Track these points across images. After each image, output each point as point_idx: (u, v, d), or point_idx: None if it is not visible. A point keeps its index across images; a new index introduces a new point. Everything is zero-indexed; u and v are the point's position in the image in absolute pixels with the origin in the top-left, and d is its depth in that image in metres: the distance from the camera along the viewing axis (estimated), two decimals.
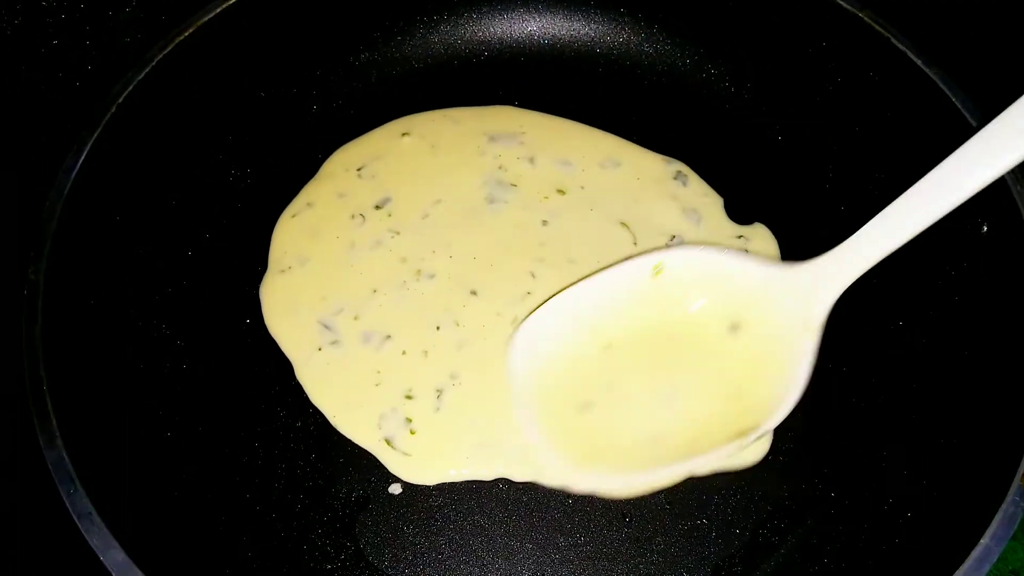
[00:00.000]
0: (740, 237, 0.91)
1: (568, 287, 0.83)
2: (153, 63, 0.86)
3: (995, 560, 0.61)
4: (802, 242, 0.91)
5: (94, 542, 0.62)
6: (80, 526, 0.63)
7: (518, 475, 0.78)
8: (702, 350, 0.79)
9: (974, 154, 0.67)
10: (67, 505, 0.64)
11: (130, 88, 0.84)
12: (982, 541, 0.62)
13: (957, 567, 0.61)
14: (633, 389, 0.79)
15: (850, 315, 0.87)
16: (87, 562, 0.62)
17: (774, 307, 0.77)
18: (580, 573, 0.75)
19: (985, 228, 0.80)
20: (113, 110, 0.82)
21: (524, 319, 0.83)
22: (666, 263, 0.80)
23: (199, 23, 0.89)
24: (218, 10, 0.90)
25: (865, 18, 0.89)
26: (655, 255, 0.81)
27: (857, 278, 0.74)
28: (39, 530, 0.75)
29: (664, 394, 0.79)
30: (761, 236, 0.92)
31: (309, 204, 0.94)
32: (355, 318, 0.85)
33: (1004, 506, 0.63)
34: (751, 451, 0.79)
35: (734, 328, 0.78)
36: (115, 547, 0.62)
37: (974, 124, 0.81)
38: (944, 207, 0.68)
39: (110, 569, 0.62)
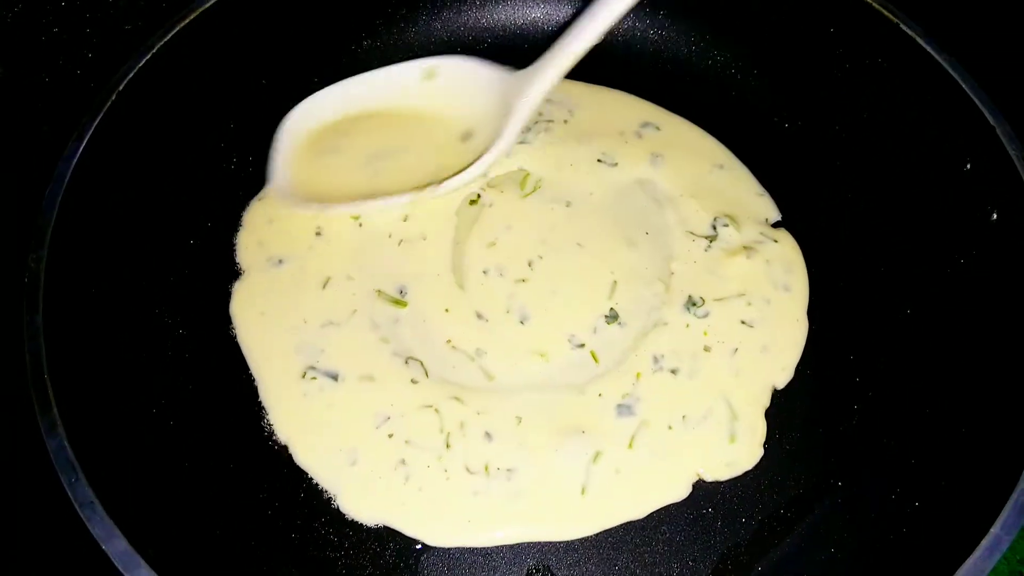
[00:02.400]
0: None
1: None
2: (154, 50, 0.85)
3: (1005, 550, 0.61)
4: (809, 227, 0.91)
5: (96, 531, 0.62)
6: (82, 515, 0.63)
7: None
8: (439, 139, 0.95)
9: None
10: (69, 494, 0.64)
11: (130, 76, 0.83)
12: (992, 530, 0.61)
13: (967, 556, 0.61)
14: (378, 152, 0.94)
15: (859, 303, 0.87)
16: (89, 551, 0.62)
17: (497, 106, 0.92)
18: (584, 562, 0.75)
19: (995, 215, 0.79)
20: (113, 98, 0.82)
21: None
22: (439, 69, 0.96)
23: (200, 10, 0.89)
24: None
25: (874, 3, 0.88)
26: (431, 60, 0.96)
27: (554, 82, 0.88)
28: (41, 519, 0.74)
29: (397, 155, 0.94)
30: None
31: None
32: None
33: (1015, 495, 0.63)
34: (747, 454, 0.79)
35: (467, 134, 0.94)
36: (117, 536, 0.62)
37: (983, 109, 0.81)
38: (596, 33, 0.84)
39: (112, 558, 0.61)
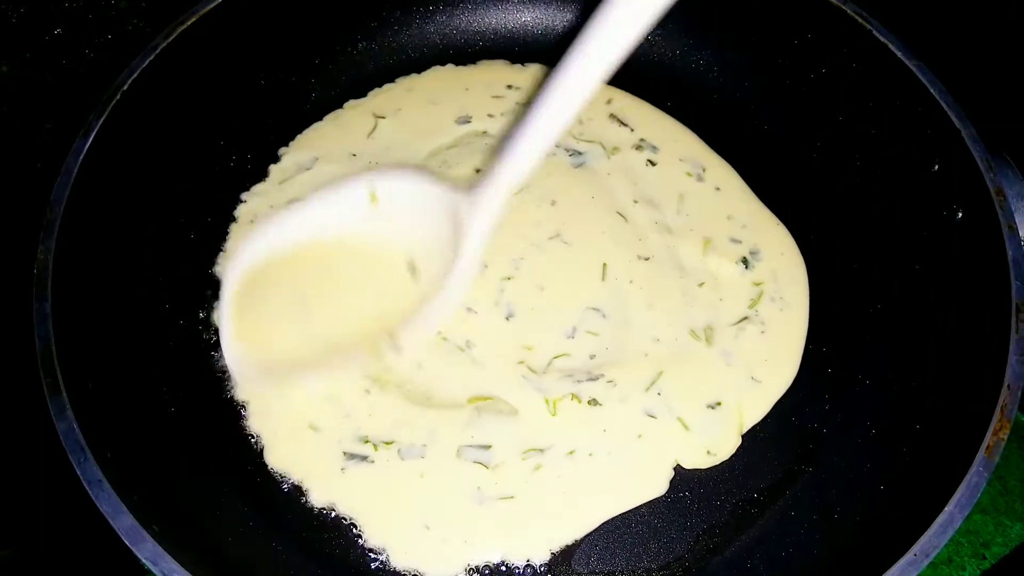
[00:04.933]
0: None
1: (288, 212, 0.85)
2: (157, 51, 0.88)
3: (959, 525, 0.64)
4: (791, 226, 0.95)
5: (104, 508, 0.65)
6: (91, 493, 0.66)
7: None
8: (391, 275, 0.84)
9: (556, 103, 0.71)
10: (78, 473, 0.66)
11: (135, 76, 0.86)
12: (946, 508, 0.65)
13: (923, 532, 0.65)
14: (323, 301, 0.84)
15: (830, 298, 0.90)
16: (99, 527, 0.65)
17: (446, 227, 0.82)
18: None
19: (960, 214, 0.83)
20: (118, 97, 0.85)
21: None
22: (379, 192, 0.83)
23: (201, 13, 0.91)
24: (219, 0, 0.92)
25: (848, 11, 0.92)
26: (369, 180, 0.84)
27: (504, 198, 0.78)
28: (57, 497, 0.77)
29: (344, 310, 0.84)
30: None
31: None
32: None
33: (968, 476, 0.67)
34: (726, 444, 0.82)
35: (412, 266, 0.84)
36: (124, 512, 0.65)
37: (950, 114, 0.84)
38: (545, 144, 0.74)
39: (119, 533, 0.65)
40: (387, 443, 0.81)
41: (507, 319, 0.87)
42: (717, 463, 0.82)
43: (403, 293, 0.84)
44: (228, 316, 0.83)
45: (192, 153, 0.94)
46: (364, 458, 0.80)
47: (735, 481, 0.81)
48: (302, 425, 0.82)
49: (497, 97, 1.03)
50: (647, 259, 0.91)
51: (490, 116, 1.01)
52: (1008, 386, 0.70)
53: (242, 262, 0.83)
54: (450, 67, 1.06)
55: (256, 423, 0.82)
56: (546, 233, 0.92)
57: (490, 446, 0.81)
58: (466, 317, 0.87)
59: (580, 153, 0.98)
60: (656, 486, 0.80)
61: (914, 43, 0.89)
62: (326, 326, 0.83)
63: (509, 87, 1.03)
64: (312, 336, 0.83)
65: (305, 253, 0.84)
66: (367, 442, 0.81)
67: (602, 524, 0.79)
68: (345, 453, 0.80)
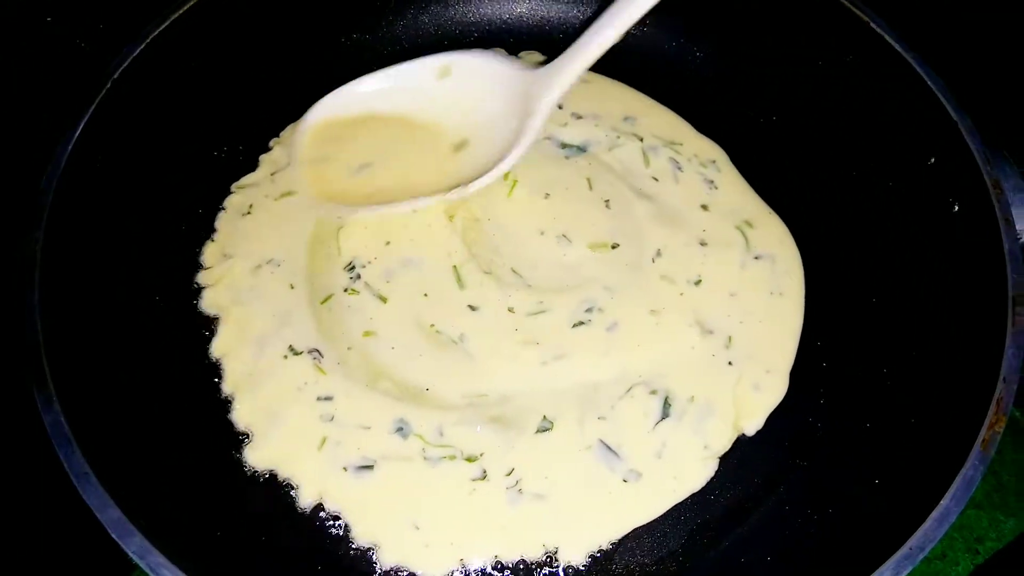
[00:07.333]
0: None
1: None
2: (148, 39, 0.87)
3: (954, 520, 0.64)
4: (779, 217, 0.94)
5: (91, 501, 0.65)
6: (77, 486, 0.65)
7: None
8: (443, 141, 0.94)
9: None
10: (65, 465, 0.66)
11: (125, 64, 0.85)
12: (942, 502, 0.65)
13: (918, 526, 0.64)
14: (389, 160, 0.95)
15: (826, 291, 0.90)
16: (86, 521, 0.64)
17: (511, 104, 0.91)
18: None
19: (956, 207, 0.82)
20: (108, 85, 0.84)
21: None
22: (454, 66, 0.94)
23: (192, 2, 0.91)
24: None
25: (845, 2, 0.91)
26: (447, 57, 0.95)
27: (574, 79, 0.88)
28: (44, 493, 0.76)
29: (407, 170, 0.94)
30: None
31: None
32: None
33: (963, 470, 0.66)
34: (700, 474, 0.81)
35: (461, 144, 0.93)
36: (111, 505, 0.64)
37: (947, 106, 0.84)
38: (618, 31, 0.83)
39: (106, 527, 0.64)
40: (378, 440, 0.80)
41: (509, 310, 0.87)
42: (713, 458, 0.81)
43: (443, 164, 0.93)
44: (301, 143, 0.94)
45: (183, 143, 0.93)
46: (354, 453, 0.79)
47: (729, 475, 0.81)
48: (291, 421, 0.81)
49: None
50: (644, 252, 0.91)
51: None
52: (1004, 379, 0.70)
53: (322, 110, 0.95)
54: None
55: (245, 417, 0.81)
56: (540, 226, 0.92)
57: (483, 443, 0.80)
58: (461, 311, 0.87)
59: (573, 145, 0.97)
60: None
61: (911, 35, 0.89)
62: (368, 186, 0.92)
63: None
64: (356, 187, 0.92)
65: (374, 119, 0.95)
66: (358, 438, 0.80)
67: None
68: (335, 447, 0.79)
